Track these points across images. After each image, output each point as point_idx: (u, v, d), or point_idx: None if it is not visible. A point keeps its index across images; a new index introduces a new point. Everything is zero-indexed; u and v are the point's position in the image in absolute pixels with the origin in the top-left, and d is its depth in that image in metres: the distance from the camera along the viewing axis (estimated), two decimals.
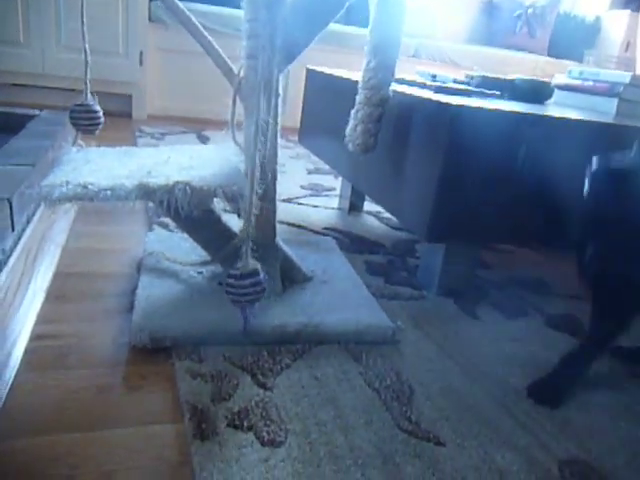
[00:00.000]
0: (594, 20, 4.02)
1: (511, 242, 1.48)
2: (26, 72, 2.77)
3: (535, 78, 1.59)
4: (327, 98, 1.71)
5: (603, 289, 0.96)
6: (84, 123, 1.13)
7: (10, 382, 0.82)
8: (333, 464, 0.75)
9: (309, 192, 2.02)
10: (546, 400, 0.95)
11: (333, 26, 1.04)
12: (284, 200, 1.83)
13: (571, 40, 3.90)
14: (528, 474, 0.78)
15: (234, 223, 1.04)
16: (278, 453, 0.75)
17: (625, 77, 1.53)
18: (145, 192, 0.93)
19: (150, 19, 2.91)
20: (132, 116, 3.00)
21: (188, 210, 0.94)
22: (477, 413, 0.90)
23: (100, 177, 0.96)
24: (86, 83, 1.12)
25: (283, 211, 1.47)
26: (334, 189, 2.06)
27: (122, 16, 2.82)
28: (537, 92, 1.52)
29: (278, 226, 1.12)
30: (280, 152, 1.06)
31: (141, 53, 2.90)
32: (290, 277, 1.17)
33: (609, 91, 1.55)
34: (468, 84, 1.53)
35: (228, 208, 1.12)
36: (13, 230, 1.03)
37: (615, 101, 1.54)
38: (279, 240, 1.14)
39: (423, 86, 1.42)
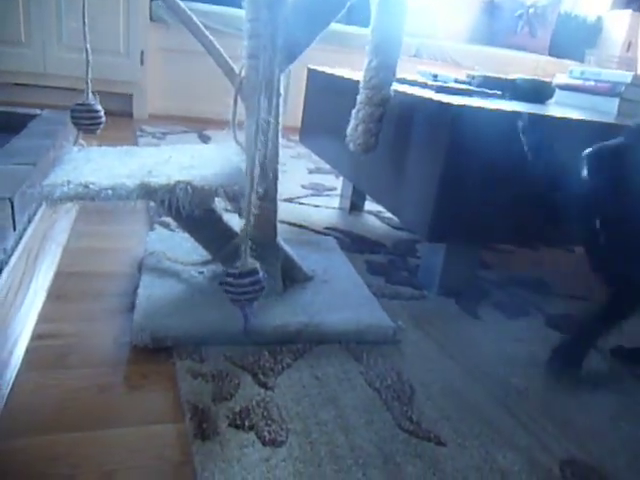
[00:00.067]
0: (595, 20, 4.02)
1: (512, 242, 1.48)
2: (27, 71, 2.77)
3: (536, 78, 1.59)
4: (328, 98, 1.71)
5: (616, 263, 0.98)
6: (85, 122, 1.13)
7: (11, 381, 0.82)
8: (334, 464, 0.75)
9: (310, 192, 2.02)
10: (568, 366, 0.97)
11: (334, 25, 1.04)
12: (285, 200, 1.83)
13: (572, 40, 3.90)
14: (529, 474, 0.78)
15: (235, 222, 1.04)
16: (279, 453, 0.75)
17: (626, 77, 1.53)
18: (146, 191, 0.93)
19: (151, 18, 2.91)
20: (133, 115, 3.00)
21: (189, 210, 0.94)
22: (478, 413, 0.90)
23: (101, 176, 0.96)
24: (87, 82, 1.12)
25: (284, 210, 1.46)
26: (335, 189, 2.06)
27: (123, 15, 2.82)
28: (538, 92, 1.52)
29: (279, 226, 1.12)
30: (281, 151, 1.06)
31: (142, 52, 2.90)
32: (291, 277, 1.17)
33: (610, 91, 1.55)
34: (469, 84, 1.53)
35: (229, 207, 1.12)
36: (14, 229, 1.03)
37: (616, 101, 1.54)
38: (280, 240, 1.14)
39: (424, 86, 1.42)
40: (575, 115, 1.31)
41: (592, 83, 1.61)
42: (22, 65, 2.76)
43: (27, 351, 0.90)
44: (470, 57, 3.50)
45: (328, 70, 1.74)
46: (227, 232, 1.08)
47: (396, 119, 1.27)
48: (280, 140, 1.05)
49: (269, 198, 1.05)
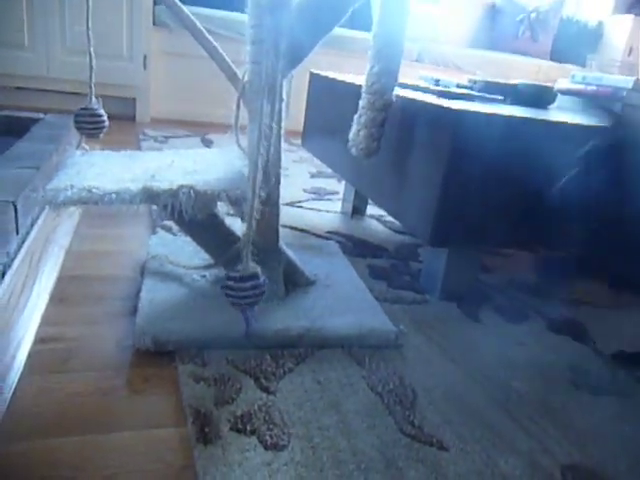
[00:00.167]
0: (597, 25, 4.02)
1: (515, 246, 1.48)
2: (30, 75, 2.79)
3: (538, 83, 1.59)
4: (330, 102, 1.72)
5: None
6: (88, 127, 1.14)
7: (14, 385, 0.82)
8: (336, 468, 0.75)
9: (312, 196, 2.02)
10: None
11: (336, 30, 1.04)
12: (287, 204, 1.83)
13: (574, 45, 3.91)
14: (531, 479, 0.78)
15: (238, 227, 1.05)
16: (281, 457, 0.76)
17: (628, 82, 1.53)
18: (149, 196, 0.93)
19: (154, 23, 2.92)
20: (136, 119, 3.01)
21: (192, 214, 0.94)
22: (480, 417, 0.90)
23: (104, 181, 0.97)
24: (91, 87, 1.13)
25: (286, 215, 1.47)
26: (337, 193, 2.06)
27: (126, 20, 2.83)
28: (540, 97, 1.52)
29: (281, 230, 1.13)
30: (283, 156, 1.07)
31: (145, 57, 2.91)
32: (293, 281, 1.17)
33: (612, 96, 1.55)
34: (471, 89, 1.54)
35: (232, 211, 1.12)
36: (17, 233, 1.04)
37: (618, 106, 1.53)
38: (282, 244, 1.14)
39: (426, 90, 1.43)
40: (577, 120, 1.31)
41: (594, 88, 1.61)
42: (25, 69, 2.77)
43: (30, 354, 0.90)
44: (472, 62, 3.51)
45: (330, 75, 1.75)
46: (229, 236, 1.08)
47: (398, 124, 1.27)
48: (282, 144, 1.06)
49: (271, 202, 1.06)
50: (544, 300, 1.37)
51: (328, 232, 1.65)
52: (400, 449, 0.80)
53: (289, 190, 1.98)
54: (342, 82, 1.60)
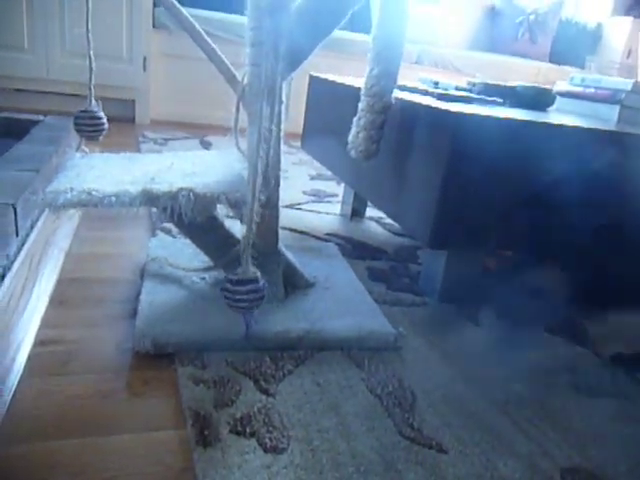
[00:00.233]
0: (596, 26, 4.03)
1: (514, 249, 1.48)
2: (30, 77, 2.79)
3: (537, 85, 1.60)
4: (330, 104, 1.72)
5: None
6: (88, 129, 1.14)
7: (14, 388, 0.82)
8: (335, 471, 0.75)
9: (311, 198, 2.03)
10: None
11: (336, 33, 1.04)
12: (286, 206, 1.83)
13: (573, 46, 3.91)
14: None
15: (237, 229, 1.05)
16: (280, 460, 0.76)
17: (627, 84, 1.53)
18: (149, 198, 0.94)
19: (154, 25, 2.92)
20: (135, 121, 3.01)
21: (191, 216, 0.94)
22: (479, 420, 0.90)
23: (104, 183, 0.97)
24: (90, 89, 1.13)
25: (285, 217, 1.47)
26: (336, 195, 2.06)
27: (126, 22, 2.83)
28: (539, 99, 1.52)
29: (280, 232, 1.13)
30: (283, 158, 1.07)
31: (145, 59, 2.92)
32: (292, 283, 1.17)
33: (611, 98, 1.56)
34: (470, 91, 1.54)
35: (231, 214, 1.13)
36: (17, 235, 1.04)
37: (617, 108, 1.54)
38: (281, 246, 1.14)
39: (425, 93, 1.43)
40: (576, 122, 1.31)
41: (592, 90, 1.61)
42: (25, 71, 2.77)
43: (29, 357, 0.90)
44: (471, 64, 3.51)
45: (330, 77, 1.75)
46: (229, 239, 1.09)
47: (397, 126, 1.27)
48: (282, 147, 1.06)
49: (271, 205, 1.06)
50: (543, 302, 1.36)
51: (327, 234, 1.65)
52: (399, 452, 0.80)
53: (288, 192, 1.98)
54: (341, 84, 1.60)
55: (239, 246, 0.89)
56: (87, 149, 1.18)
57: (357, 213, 1.85)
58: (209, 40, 1.06)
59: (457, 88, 1.54)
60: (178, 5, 1.05)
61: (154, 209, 1.05)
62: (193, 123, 3.09)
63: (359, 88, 1.18)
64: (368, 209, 1.87)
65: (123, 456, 0.74)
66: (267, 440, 0.78)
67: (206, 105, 3.04)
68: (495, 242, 1.31)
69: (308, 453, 0.77)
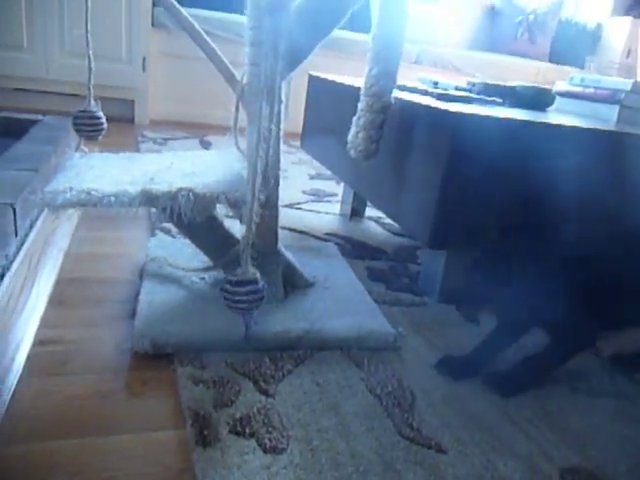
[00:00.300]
0: (596, 27, 4.03)
1: (513, 248, 1.47)
2: (29, 77, 2.78)
3: (536, 85, 1.60)
4: (329, 104, 1.72)
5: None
6: (87, 129, 1.14)
7: (13, 388, 0.82)
8: (335, 471, 0.75)
9: (311, 198, 2.02)
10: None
11: (335, 32, 1.04)
12: (286, 205, 1.83)
13: (573, 46, 3.91)
14: None
15: (236, 229, 1.05)
16: (280, 460, 0.75)
17: (626, 84, 1.53)
18: (148, 198, 0.93)
19: (153, 25, 2.92)
20: (134, 121, 3.01)
21: (191, 216, 0.94)
22: (479, 420, 0.90)
23: (103, 183, 0.97)
24: (89, 89, 1.13)
25: (285, 216, 1.47)
26: (336, 195, 2.06)
27: (125, 22, 2.83)
28: (538, 99, 1.52)
29: (280, 232, 1.13)
30: (282, 158, 1.07)
31: (144, 59, 2.91)
32: (292, 283, 1.17)
33: (610, 98, 1.56)
34: (470, 91, 1.54)
35: (231, 213, 1.12)
36: (16, 235, 1.03)
37: (616, 108, 1.54)
38: (281, 246, 1.14)
39: (425, 93, 1.43)
40: (575, 122, 1.31)
41: (592, 90, 1.61)
42: (24, 70, 2.77)
43: (28, 357, 0.90)
44: (470, 64, 3.51)
45: (329, 77, 1.75)
46: (228, 239, 1.08)
47: (397, 126, 1.27)
48: (281, 146, 1.06)
49: (270, 205, 1.06)
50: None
51: (327, 234, 1.65)
52: (398, 452, 0.80)
53: (288, 192, 1.98)
54: (341, 84, 1.60)
55: (239, 246, 0.89)
56: (86, 149, 1.18)
57: (357, 213, 1.85)
58: (208, 39, 1.06)
59: (457, 88, 1.54)
60: (177, 4, 1.05)
61: (153, 209, 1.04)
62: (192, 123, 3.09)
63: (358, 88, 1.18)
64: (368, 209, 1.86)
65: (122, 456, 0.73)
66: (267, 440, 0.78)
67: (205, 105, 3.03)
68: (495, 242, 1.31)
69: (307, 453, 0.77)
